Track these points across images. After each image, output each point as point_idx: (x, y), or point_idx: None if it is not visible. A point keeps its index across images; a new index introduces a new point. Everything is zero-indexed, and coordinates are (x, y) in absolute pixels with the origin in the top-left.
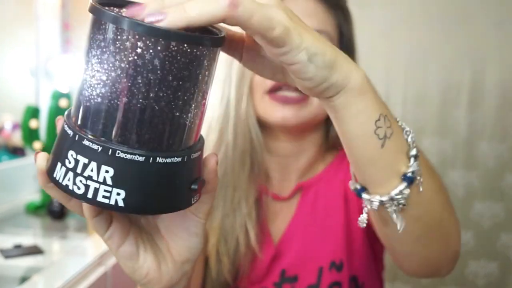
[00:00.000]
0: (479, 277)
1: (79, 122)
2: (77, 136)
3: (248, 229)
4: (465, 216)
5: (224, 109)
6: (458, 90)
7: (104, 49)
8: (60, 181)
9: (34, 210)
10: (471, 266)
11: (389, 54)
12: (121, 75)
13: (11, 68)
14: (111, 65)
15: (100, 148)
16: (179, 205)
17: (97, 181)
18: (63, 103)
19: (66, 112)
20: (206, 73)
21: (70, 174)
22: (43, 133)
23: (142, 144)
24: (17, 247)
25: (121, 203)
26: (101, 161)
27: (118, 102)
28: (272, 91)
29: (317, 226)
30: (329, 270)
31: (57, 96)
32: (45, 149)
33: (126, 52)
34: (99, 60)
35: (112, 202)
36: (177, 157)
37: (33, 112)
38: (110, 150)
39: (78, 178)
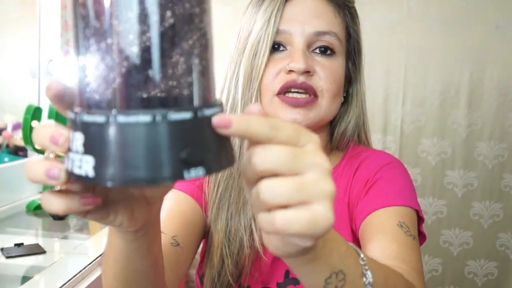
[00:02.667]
0: (478, 277)
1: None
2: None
3: (253, 230)
4: (464, 216)
5: (229, 111)
6: (457, 90)
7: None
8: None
9: (35, 210)
10: (470, 266)
11: (389, 54)
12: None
13: (12, 68)
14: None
15: (74, 116)
16: (157, 176)
17: (73, 152)
18: None
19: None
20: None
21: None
22: None
23: (107, 105)
24: (19, 246)
25: (91, 173)
26: (74, 129)
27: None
28: (281, 92)
29: None
30: None
31: None
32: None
33: None
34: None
35: (83, 173)
36: (142, 117)
37: (34, 112)
38: (81, 115)
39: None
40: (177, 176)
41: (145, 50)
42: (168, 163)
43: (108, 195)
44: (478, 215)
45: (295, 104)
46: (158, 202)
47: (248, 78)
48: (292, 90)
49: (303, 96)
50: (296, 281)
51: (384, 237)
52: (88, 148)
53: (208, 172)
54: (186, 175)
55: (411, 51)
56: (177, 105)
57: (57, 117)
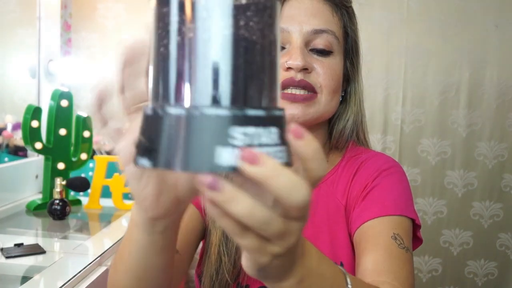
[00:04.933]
0: (478, 277)
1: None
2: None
3: None
4: (464, 216)
5: None
6: (457, 90)
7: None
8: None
9: (35, 210)
10: (470, 266)
11: (389, 54)
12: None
13: (12, 68)
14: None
15: (264, 113)
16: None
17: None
18: (63, 103)
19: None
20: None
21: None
22: (43, 134)
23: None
24: (19, 246)
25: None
26: (268, 124)
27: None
28: (280, 89)
29: (316, 227)
30: None
31: (57, 96)
32: (45, 149)
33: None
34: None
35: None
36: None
37: (34, 112)
38: (272, 111)
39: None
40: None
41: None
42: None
43: None
44: (478, 215)
45: (294, 100)
46: (185, 203)
47: None
48: (291, 87)
49: (302, 92)
50: None
51: (377, 250)
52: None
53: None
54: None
55: (411, 51)
56: (250, 103)
57: (57, 117)
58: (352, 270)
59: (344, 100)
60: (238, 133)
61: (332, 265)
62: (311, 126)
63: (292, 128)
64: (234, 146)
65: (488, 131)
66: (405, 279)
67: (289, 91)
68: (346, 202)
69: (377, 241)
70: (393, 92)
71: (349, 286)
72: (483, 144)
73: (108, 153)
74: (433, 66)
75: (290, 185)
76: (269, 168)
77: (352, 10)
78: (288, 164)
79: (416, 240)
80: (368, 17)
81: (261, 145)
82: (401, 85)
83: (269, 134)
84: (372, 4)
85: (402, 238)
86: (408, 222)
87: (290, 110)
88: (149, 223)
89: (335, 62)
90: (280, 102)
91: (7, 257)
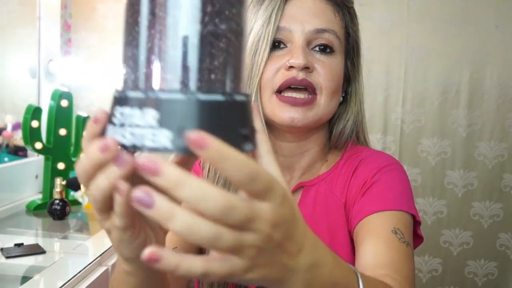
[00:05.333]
0: (478, 277)
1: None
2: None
3: None
4: (464, 216)
5: None
6: (457, 90)
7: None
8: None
9: (35, 210)
10: (470, 266)
11: (389, 54)
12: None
13: (12, 68)
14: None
15: (143, 95)
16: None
17: (143, 126)
18: (64, 103)
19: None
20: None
21: (118, 129)
22: (43, 134)
23: (185, 84)
24: (19, 246)
25: (168, 144)
26: (146, 106)
27: (155, 45)
28: (281, 89)
29: (316, 225)
30: None
31: (57, 96)
32: (45, 149)
33: None
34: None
35: (160, 144)
36: (219, 96)
37: (34, 112)
38: (154, 94)
39: (126, 129)
40: (239, 147)
41: (209, 43)
42: (234, 136)
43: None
44: (478, 215)
45: (294, 103)
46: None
47: (248, 75)
48: (292, 87)
49: (302, 96)
50: None
51: (377, 243)
52: (164, 122)
53: (254, 147)
54: (244, 147)
55: (411, 51)
56: (238, 89)
57: (57, 117)
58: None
59: (345, 100)
60: (118, 112)
61: (346, 270)
62: (311, 129)
63: (192, 136)
64: (113, 124)
65: (488, 131)
66: (407, 273)
67: (288, 93)
68: (346, 199)
69: (377, 234)
70: (393, 92)
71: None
72: (483, 144)
73: None
74: (433, 66)
75: (197, 194)
76: (170, 177)
77: (354, 10)
78: (167, 150)
79: (417, 238)
80: (369, 17)
81: (131, 126)
82: (401, 85)
83: (144, 116)
84: (373, 4)
85: (403, 233)
86: (409, 217)
87: (290, 113)
88: (140, 266)
89: (336, 62)
90: (281, 105)
91: (7, 257)
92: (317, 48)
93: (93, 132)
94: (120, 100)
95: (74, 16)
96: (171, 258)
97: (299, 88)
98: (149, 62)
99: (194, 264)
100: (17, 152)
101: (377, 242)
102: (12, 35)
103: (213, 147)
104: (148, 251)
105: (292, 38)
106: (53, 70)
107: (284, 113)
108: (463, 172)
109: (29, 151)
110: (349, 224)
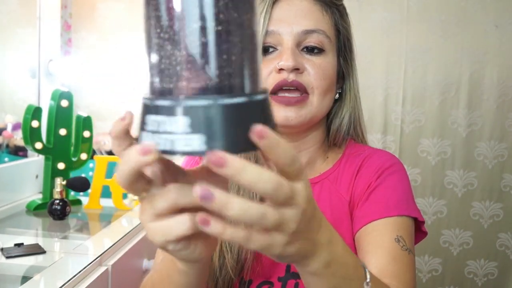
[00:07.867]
0: (478, 277)
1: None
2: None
3: None
4: (464, 216)
5: None
6: (457, 90)
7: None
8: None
9: (35, 210)
10: (470, 266)
11: (389, 54)
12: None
13: (12, 68)
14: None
15: (173, 103)
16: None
17: (176, 133)
18: (64, 103)
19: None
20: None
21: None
22: (43, 134)
23: (208, 90)
24: (19, 246)
25: (201, 148)
26: (175, 114)
27: (179, 54)
28: (274, 92)
29: None
30: None
31: (57, 96)
32: (45, 149)
33: None
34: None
35: (193, 149)
36: (240, 99)
37: (34, 112)
38: (182, 102)
39: (160, 136)
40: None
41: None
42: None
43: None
44: (478, 215)
45: (288, 103)
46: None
47: None
48: (284, 88)
49: (294, 95)
50: (297, 276)
51: (382, 254)
52: (195, 127)
53: None
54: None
55: (411, 51)
56: (256, 90)
57: (57, 117)
58: None
59: (340, 97)
60: (150, 120)
61: (354, 256)
62: (307, 127)
63: (256, 129)
64: (146, 131)
65: (488, 131)
66: (409, 281)
67: (282, 94)
68: (350, 198)
69: (380, 244)
70: (393, 92)
71: (368, 277)
72: (483, 144)
73: (108, 153)
74: (433, 66)
75: (256, 177)
76: (234, 166)
77: (343, 7)
78: (201, 153)
79: (421, 233)
80: (368, 17)
81: (166, 133)
82: (401, 85)
83: (175, 123)
84: (372, 4)
85: (405, 240)
86: (411, 222)
87: (284, 112)
88: (195, 265)
89: (327, 61)
90: (275, 106)
91: (7, 257)
92: (306, 49)
93: (121, 129)
94: (150, 108)
95: (74, 16)
96: (217, 224)
97: (291, 89)
98: (175, 69)
99: (238, 230)
100: (17, 152)
101: (382, 254)
102: (12, 35)
103: (231, 162)
104: (200, 191)
105: (282, 41)
106: (53, 70)
107: (279, 113)
108: (463, 172)
109: (29, 151)
110: (352, 225)
